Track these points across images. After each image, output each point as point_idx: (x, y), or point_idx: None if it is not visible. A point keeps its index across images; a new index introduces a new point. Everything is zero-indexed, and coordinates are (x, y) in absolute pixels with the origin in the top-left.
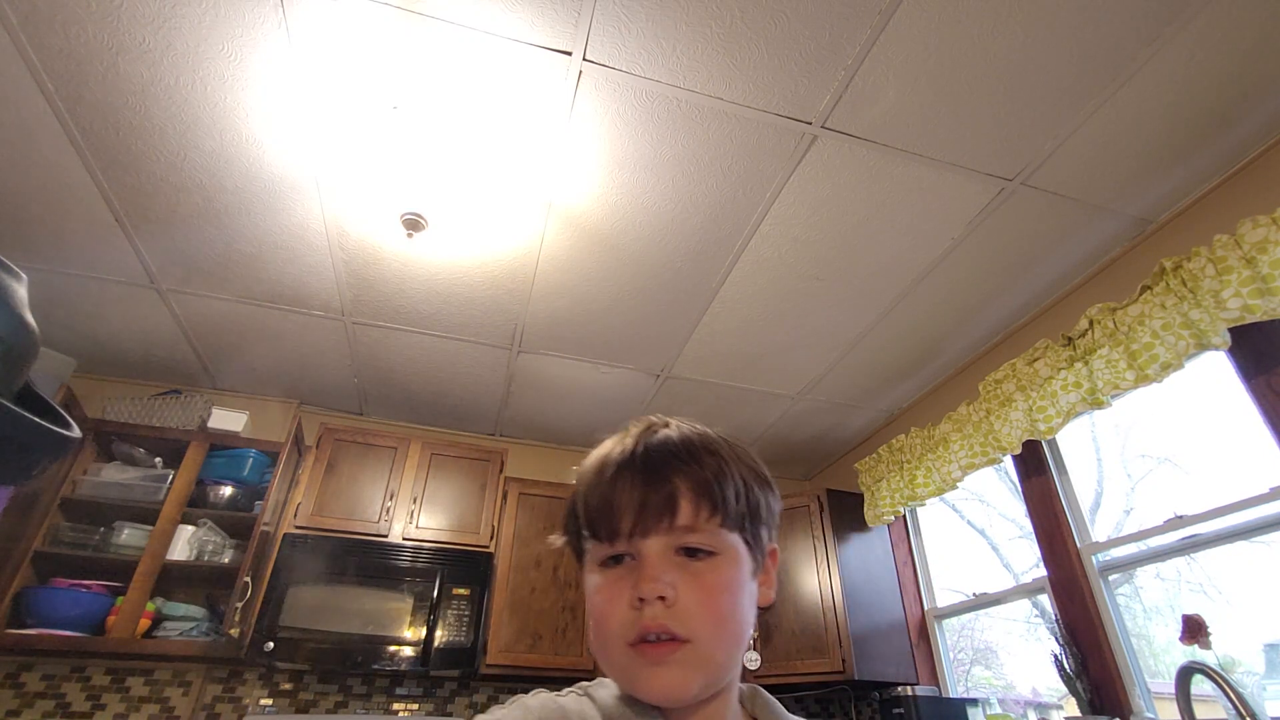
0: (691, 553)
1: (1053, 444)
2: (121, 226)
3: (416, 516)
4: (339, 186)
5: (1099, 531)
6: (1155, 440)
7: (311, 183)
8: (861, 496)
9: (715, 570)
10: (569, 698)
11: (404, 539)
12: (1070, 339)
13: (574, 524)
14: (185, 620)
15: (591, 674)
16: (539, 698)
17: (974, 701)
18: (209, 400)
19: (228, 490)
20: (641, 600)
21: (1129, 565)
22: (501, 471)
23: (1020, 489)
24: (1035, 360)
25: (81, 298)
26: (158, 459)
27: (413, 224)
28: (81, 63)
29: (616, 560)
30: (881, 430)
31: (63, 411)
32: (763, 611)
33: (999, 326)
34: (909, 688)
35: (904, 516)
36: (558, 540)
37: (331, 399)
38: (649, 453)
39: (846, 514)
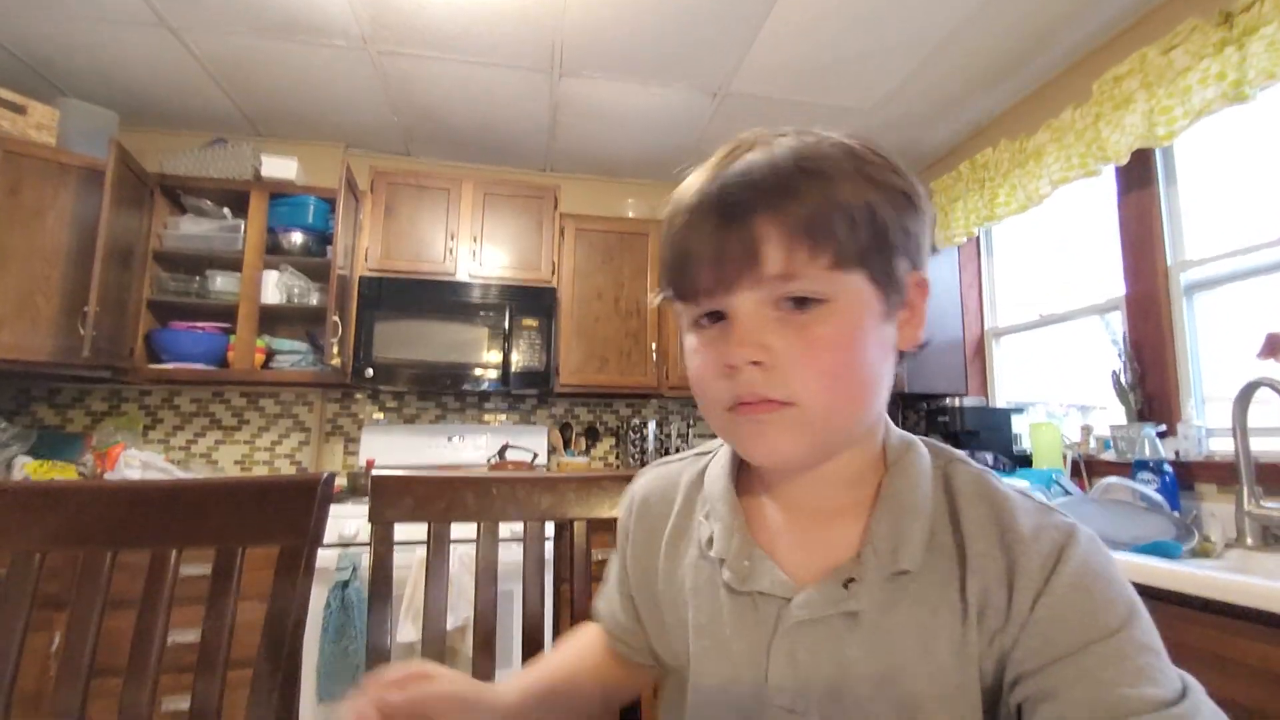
0: (800, 302)
1: (1167, 151)
2: None
3: (479, 256)
4: None
5: (1194, 249)
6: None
7: None
8: (933, 217)
9: (824, 321)
10: (686, 462)
11: (471, 276)
12: (1229, 15)
13: (663, 280)
14: (293, 354)
15: (657, 391)
16: (663, 467)
17: (1019, 409)
18: (256, 148)
19: (298, 237)
20: (732, 367)
21: (1221, 282)
22: (556, 208)
23: (1117, 201)
24: (1173, 48)
25: (99, 46)
26: (225, 209)
27: None
28: None
29: (713, 318)
30: (964, 144)
31: None
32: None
33: (1132, 6)
34: (956, 398)
35: (977, 236)
36: (656, 300)
37: (376, 140)
38: (725, 188)
39: None
